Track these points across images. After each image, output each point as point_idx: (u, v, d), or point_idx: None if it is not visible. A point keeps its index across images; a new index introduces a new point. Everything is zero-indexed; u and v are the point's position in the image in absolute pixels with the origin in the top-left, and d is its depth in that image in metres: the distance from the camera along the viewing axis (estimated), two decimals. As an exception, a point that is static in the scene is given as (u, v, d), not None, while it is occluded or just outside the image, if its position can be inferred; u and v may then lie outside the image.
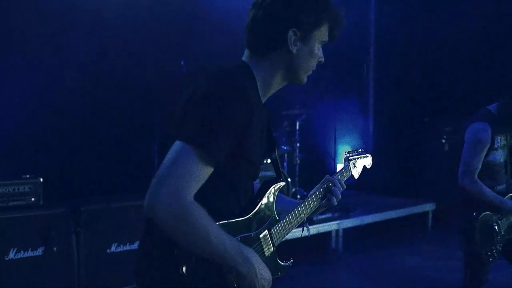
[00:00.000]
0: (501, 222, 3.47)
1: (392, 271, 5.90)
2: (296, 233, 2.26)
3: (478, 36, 9.09)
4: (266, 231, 1.89)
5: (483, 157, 3.45)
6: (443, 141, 8.21)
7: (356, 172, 2.53)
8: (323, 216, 6.46)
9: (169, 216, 1.58)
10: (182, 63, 5.83)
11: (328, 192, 2.18)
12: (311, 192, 2.16)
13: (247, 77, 1.84)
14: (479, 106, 3.69)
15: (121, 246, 4.57)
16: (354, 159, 2.52)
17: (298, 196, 7.41)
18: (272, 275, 1.85)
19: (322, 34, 1.91)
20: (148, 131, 5.90)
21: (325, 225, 6.43)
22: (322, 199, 2.15)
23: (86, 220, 4.42)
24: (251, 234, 1.83)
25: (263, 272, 1.77)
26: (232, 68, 1.87)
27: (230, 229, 1.73)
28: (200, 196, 1.64)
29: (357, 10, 9.02)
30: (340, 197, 2.18)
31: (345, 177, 2.41)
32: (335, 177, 2.27)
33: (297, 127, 7.40)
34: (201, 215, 1.62)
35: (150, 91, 6.13)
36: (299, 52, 1.87)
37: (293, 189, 7.20)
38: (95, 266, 4.44)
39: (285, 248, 5.95)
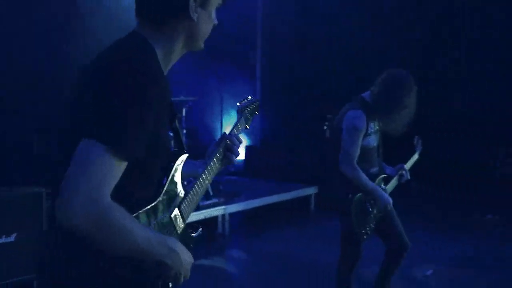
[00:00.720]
0: (373, 201, 3.71)
1: (277, 254, 6.08)
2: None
3: (359, 27, 9.61)
4: (177, 209, 1.83)
5: (360, 144, 3.64)
6: (325, 127, 8.56)
7: (249, 122, 2.48)
8: (208, 202, 6.50)
9: (89, 226, 1.44)
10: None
11: (227, 151, 2.10)
12: (211, 154, 2.08)
13: (146, 50, 1.69)
14: (356, 94, 3.89)
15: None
16: (246, 109, 2.44)
17: (185, 183, 7.39)
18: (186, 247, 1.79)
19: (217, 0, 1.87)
20: (26, 120, 5.58)
21: (211, 210, 6.48)
22: (222, 159, 2.10)
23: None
24: (164, 217, 1.77)
25: (187, 257, 1.73)
26: (126, 43, 1.71)
27: (147, 218, 1.67)
28: (115, 191, 1.51)
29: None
30: (239, 154, 2.15)
31: (240, 130, 2.35)
32: (232, 134, 2.18)
33: (183, 114, 7.35)
34: (122, 216, 1.51)
35: (27, 79, 5.78)
36: (199, 18, 1.78)
37: (180, 176, 7.15)
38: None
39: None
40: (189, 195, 1.92)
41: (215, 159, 2.06)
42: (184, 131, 7.37)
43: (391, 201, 3.72)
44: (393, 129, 3.74)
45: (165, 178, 1.79)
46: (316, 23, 9.62)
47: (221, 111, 7.51)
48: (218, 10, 1.92)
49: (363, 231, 3.67)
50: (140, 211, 1.64)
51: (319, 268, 5.46)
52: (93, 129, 1.48)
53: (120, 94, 1.51)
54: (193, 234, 2.01)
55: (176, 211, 1.83)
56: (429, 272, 5.44)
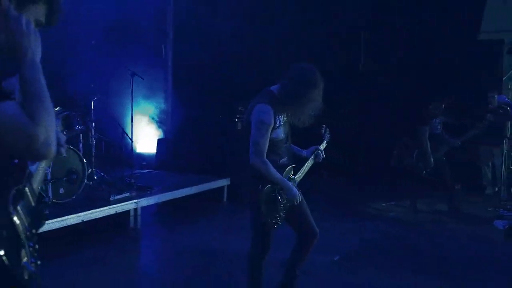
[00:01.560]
0: (283, 191, 3.82)
1: (190, 246, 6.10)
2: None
3: (268, 22, 9.79)
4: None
5: (269, 137, 3.74)
6: (236, 120, 8.66)
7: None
8: (120, 196, 6.40)
9: None
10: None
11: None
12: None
13: None
14: (265, 87, 3.97)
15: None
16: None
17: (95, 177, 7.23)
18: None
19: (38, 12, 1.85)
20: None
21: (123, 205, 6.39)
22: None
23: None
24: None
25: None
26: None
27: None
28: None
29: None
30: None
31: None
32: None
33: (93, 106, 7.17)
34: None
35: None
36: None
37: (90, 170, 6.99)
38: None
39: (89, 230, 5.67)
40: None
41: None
42: (93, 124, 7.20)
43: (298, 195, 3.85)
44: (301, 121, 3.86)
45: None
46: (226, 18, 9.70)
47: (132, 103, 7.38)
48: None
49: (273, 221, 3.77)
50: None
51: (232, 257, 5.56)
52: None
53: None
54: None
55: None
56: (337, 258, 5.69)
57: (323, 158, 4.22)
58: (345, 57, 10.33)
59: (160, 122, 10.45)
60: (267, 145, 3.72)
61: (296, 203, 3.85)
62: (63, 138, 2.20)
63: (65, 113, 6.66)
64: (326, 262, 5.49)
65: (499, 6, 9.95)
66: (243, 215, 6.71)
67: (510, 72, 10.07)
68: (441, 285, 4.92)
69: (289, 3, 10.01)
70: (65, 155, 2.24)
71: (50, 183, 5.99)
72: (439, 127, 7.67)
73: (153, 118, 10.38)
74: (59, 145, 2.11)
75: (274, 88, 3.85)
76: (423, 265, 5.48)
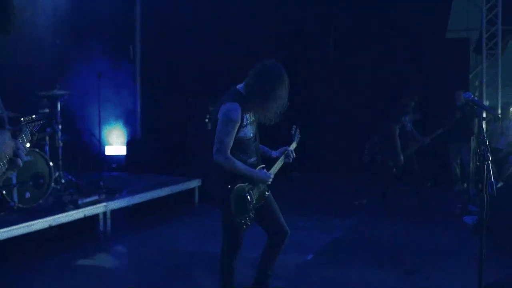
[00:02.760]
0: (252, 192, 3.78)
1: (160, 249, 6.03)
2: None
3: (236, 20, 9.76)
4: None
5: (234, 135, 3.69)
6: (207, 120, 8.60)
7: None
8: (89, 199, 6.27)
9: None
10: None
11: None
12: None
13: None
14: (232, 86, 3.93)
15: None
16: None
17: (63, 181, 7.08)
18: None
19: None
20: None
21: (92, 208, 6.26)
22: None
23: None
24: None
25: None
26: None
27: None
28: None
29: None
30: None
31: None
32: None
33: (59, 108, 7.02)
34: None
35: None
36: None
37: (57, 173, 6.84)
38: None
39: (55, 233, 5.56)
40: None
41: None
42: (60, 126, 7.06)
43: (269, 176, 3.83)
44: (267, 118, 3.82)
45: None
46: (193, 16, 9.64)
47: (99, 104, 7.24)
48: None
49: (243, 221, 3.74)
50: None
51: (204, 258, 5.52)
52: None
53: None
54: None
55: None
56: (310, 256, 5.69)
57: (293, 159, 4.20)
58: (314, 54, 10.39)
59: (129, 123, 10.31)
60: (231, 143, 3.68)
61: (269, 182, 3.83)
62: (22, 149, 2.10)
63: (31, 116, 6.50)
64: (299, 261, 5.48)
65: (465, 6, 10.14)
66: (214, 216, 6.66)
67: (476, 69, 10.26)
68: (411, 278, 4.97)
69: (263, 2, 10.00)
70: (21, 165, 2.16)
71: (15, 187, 5.83)
72: (409, 124, 7.74)
73: (121, 119, 10.24)
74: (15, 156, 2.04)
75: (240, 86, 3.81)
76: (395, 260, 5.52)
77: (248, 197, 3.73)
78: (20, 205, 5.87)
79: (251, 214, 3.77)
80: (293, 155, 4.20)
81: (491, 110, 7.23)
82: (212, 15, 9.69)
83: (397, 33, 9.84)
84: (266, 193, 3.91)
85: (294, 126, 4.47)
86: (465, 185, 9.20)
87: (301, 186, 9.75)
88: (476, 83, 10.43)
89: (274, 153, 4.19)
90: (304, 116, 7.99)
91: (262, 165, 3.93)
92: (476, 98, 3.98)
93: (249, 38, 9.81)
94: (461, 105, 8.67)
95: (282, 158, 4.16)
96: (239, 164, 3.68)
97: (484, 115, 8.62)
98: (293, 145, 4.31)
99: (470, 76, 10.28)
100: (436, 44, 9.79)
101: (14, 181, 5.83)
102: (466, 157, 9.12)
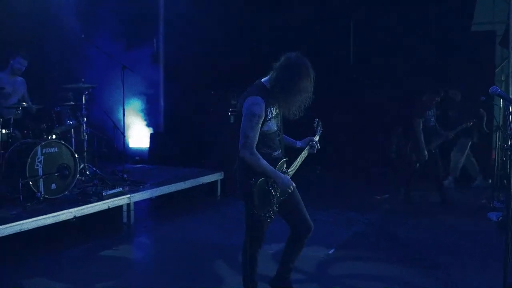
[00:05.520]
0: (276, 185, 3.79)
1: (182, 241, 6.07)
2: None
3: (262, 15, 9.74)
4: None
5: (259, 129, 3.70)
6: (229, 113, 8.61)
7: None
8: (113, 191, 6.36)
9: None
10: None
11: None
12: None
13: None
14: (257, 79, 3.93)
15: None
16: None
17: (88, 173, 7.18)
18: None
19: None
20: None
21: (116, 200, 6.34)
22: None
23: None
24: None
25: None
26: None
27: None
28: None
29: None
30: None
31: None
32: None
33: (84, 101, 7.12)
34: None
35: None
36: None
37: (82, 165, 6.94)
38: None
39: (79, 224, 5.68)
40: None
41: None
42: (85, 118, 7.16)
43: (291, 184, 3.81)
44: (291, 112, 3.81)
45: None
46: (218, 10, 9.64)
47: (123, 97, 7.31)
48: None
49: (266, 214, 3.75)
50: None
51: (226, 251, 5.55)
52: None
53: None
54: None
55: None
56: (331, 251, 5.68)
57: (317, 150, 4.20)
58: (336, 48, 10.34)
59: (153, 116, 10.39)
60: (257, 137, 3.68)
61: (290, 191, 3.82)
62: None
63: (57, 108, 6.62)
64: (320, 255, 5.48)
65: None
66: (237, 209, 6.73)
67: (502, 63, 10.08)
68: (437, 276, 4.93)
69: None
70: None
71: (41, 178, 5.94)
72: (432, 119, 7.66)
73: (145, 112, 10.32)
74: None
75: (264, 80, 3.81)
76: (416, 256, 5.47)
77: (272, 190, 3.74)
78: (46, 196, 5.98)
79: (274, 207, 3.78)
80: (317, 146, 4.19)
81: None
82: (237, 9, 9.68)
83: (421, 26, 9.71)
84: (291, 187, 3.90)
85: (316, 119, 4.46)
86: (490, 180, 9.07)
87: (322, 180, 9.72)
88: (502, 77, 10.25)
89: (298, 143, 4.20)
90: (326, 111, 7.93)
91: (285, 158, 3.93)
92: (503, 92, 3.93)
93: (274, 31, 9.81)
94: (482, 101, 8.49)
95: (307, 149, 4.16)
96: (263, 163, 3.68)
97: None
98: (316, 138, 4.30)
99: (496, 70, 10.10)
100: (461, 37, 9.64)
101: (41, 172, 5.94)
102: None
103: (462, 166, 9.13)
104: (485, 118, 8.88)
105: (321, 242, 5.76)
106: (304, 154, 4.13)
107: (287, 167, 3.97)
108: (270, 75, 3.78)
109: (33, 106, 6.64)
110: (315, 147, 4.18)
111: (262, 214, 3.74)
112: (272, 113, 3.76)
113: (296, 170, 4.05)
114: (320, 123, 4.46)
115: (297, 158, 4.06)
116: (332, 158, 9.87)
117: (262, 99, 3.66)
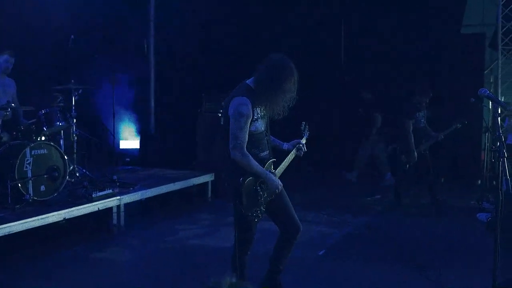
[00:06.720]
0: (264, 185, 3.80)
1: (172, 243, 6.06)
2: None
3: (251, 17, 9.73)
4: None
5: (248, 129, 3.71)
6: (219, 115, 8.59)
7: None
8: (103, 193, 6.32)
9: None
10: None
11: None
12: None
13: None
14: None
15: None
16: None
17: (77, 174, 7.14)
18: None
19: None
20: None
21: (106, 202, 6.30)
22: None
23: None
24: None
25: None
26: None
27: None
28: None
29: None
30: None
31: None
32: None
33: (73, 102, 7.08)
34: None
35: None
36: None
37: (71, 167, 6.90)
38: None
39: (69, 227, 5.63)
40: None
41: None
42: (74, 120, 7.12)
43: (280, 184, 3.83)
44: (276, 112, 3.82)
45: None
46: (208, 12, 9.64)
47: (113, 98, 7.27)
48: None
49: (254, 214, 3.75)
50: None
51: (216, 253, 5.53)
52: None
53: None
54: None
55: None
56: (321, 252, 5.68)
57: (304, 152, 4.21)
58: (326, 48, 10.36)
59: (143, 117, 10.36)
60: (246, 137, 3.70)
61: (277, 192, 3.83)
62: None
63: (46, 110, 6.57)
64: (311, 256, 5.48)
65: (481, 0, 10.01)
66: (227, 211, 6.70)
67: (491, 65, 10.14)
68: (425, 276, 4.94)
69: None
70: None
71: (30, 180, 5.89)
72: (422, 120, 7.68)
73: (136, 114, 10.29)
74: None
75: (249, 81, 3.83)
76: (407, 256, 5.49)
77: (259, 190, 3.75)
78: (35, 198, 5.93)
79: (262, 207, 3.79)
80: (304, 149, 4.21)
81: (508, 106, 7.13)
82: (226, 10, 9.68)
83: (411, 29, 9.74)
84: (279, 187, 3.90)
85: (304, 122, 4.48)
86: (479, 181, 9.12)
87: (313, 181, 9.73)
88: (491, 79, 10.30)
89: (285, 146, 4.21)
90: (316, 112, 7.96)
91: (273, 159, 3.94)
92: (491, 94, 3.95)
93: (265, 32, 9.81)
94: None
95: (293, 151, 4.17)
96: (254, 163, 3.70)
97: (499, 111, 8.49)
98: (303, 141, 4.32)
99: (485, 72, 10.15)
100: (451, 39, 9.68)
101: (30, 174, 5.89)
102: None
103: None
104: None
105: (311, 243, 5.76)
106: (291, 156, 4.15)
107: (275, 168, 3.98)
108: (254, 76, 3.80)
109: (22, 107, 6.60)
110: (302, 149, 4.20)
111: (250, 214, 3.74)
112: (258, 114, 3.78)
113: (284, 171, 4.06)
114: (307, 126, 4.48)
115: (284, 160, 4.07)
116: (323, 159, 9.88)
117: (248, 99, 3.68)
